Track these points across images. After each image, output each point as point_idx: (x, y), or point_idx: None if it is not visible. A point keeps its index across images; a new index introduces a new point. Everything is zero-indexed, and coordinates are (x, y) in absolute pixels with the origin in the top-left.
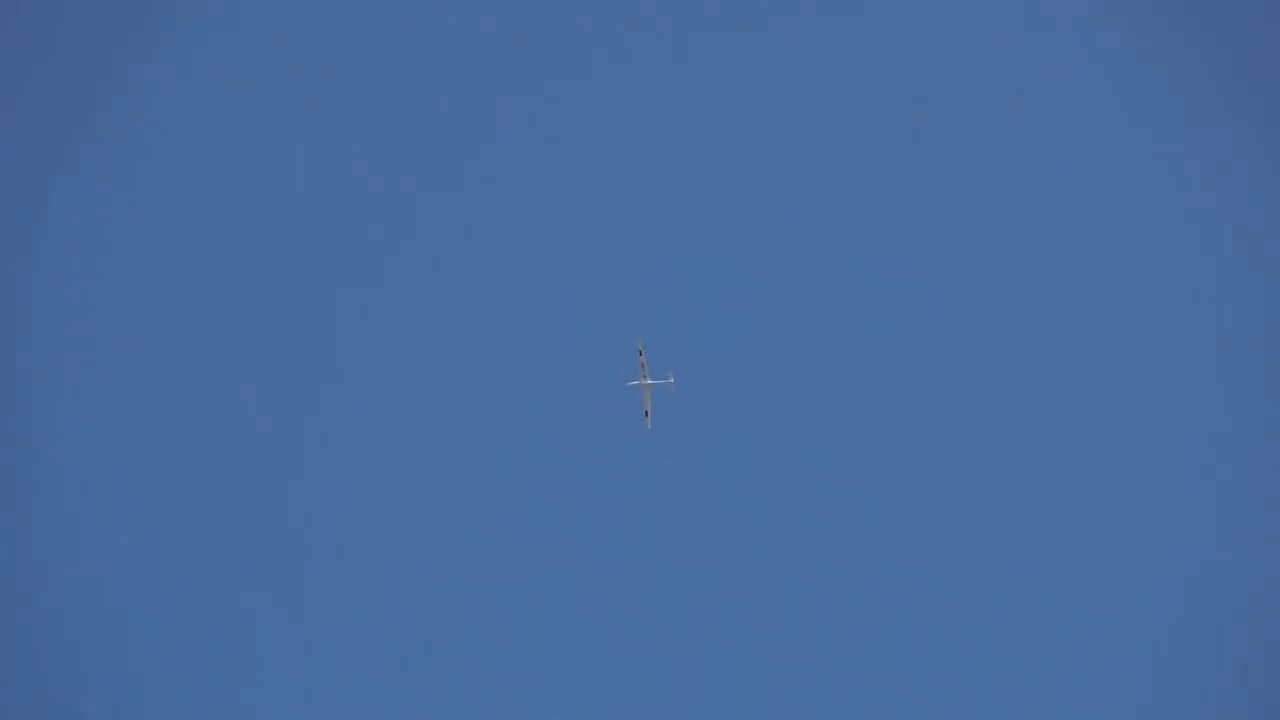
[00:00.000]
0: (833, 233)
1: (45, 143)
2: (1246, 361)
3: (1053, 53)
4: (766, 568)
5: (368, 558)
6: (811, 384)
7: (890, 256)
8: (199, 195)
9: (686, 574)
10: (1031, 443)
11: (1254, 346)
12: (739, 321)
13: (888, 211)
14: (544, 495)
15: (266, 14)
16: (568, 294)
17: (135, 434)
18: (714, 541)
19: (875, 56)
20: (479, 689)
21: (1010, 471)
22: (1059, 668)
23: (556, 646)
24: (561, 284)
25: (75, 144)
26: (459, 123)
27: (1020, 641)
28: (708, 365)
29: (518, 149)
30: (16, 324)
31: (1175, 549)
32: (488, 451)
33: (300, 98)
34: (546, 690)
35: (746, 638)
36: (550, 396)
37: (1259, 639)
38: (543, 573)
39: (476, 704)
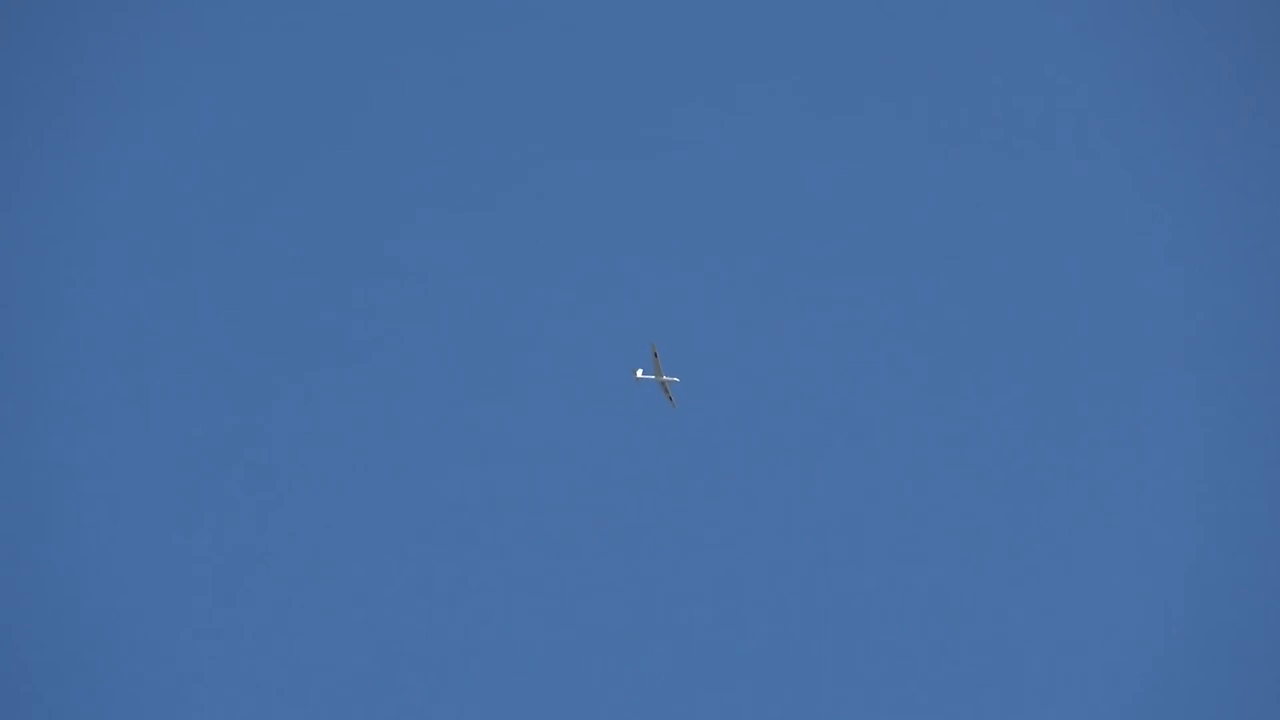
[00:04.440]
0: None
1: (47, 143)
2: (1247, 362)
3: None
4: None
5: (367, 555)
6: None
7: (887, 252)
8: (194, 192)
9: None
10: (1030, 445)
11: (1254, 346)
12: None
13: (884, 207)
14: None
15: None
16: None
17: (132, 428)
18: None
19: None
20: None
21: (1005, 474)
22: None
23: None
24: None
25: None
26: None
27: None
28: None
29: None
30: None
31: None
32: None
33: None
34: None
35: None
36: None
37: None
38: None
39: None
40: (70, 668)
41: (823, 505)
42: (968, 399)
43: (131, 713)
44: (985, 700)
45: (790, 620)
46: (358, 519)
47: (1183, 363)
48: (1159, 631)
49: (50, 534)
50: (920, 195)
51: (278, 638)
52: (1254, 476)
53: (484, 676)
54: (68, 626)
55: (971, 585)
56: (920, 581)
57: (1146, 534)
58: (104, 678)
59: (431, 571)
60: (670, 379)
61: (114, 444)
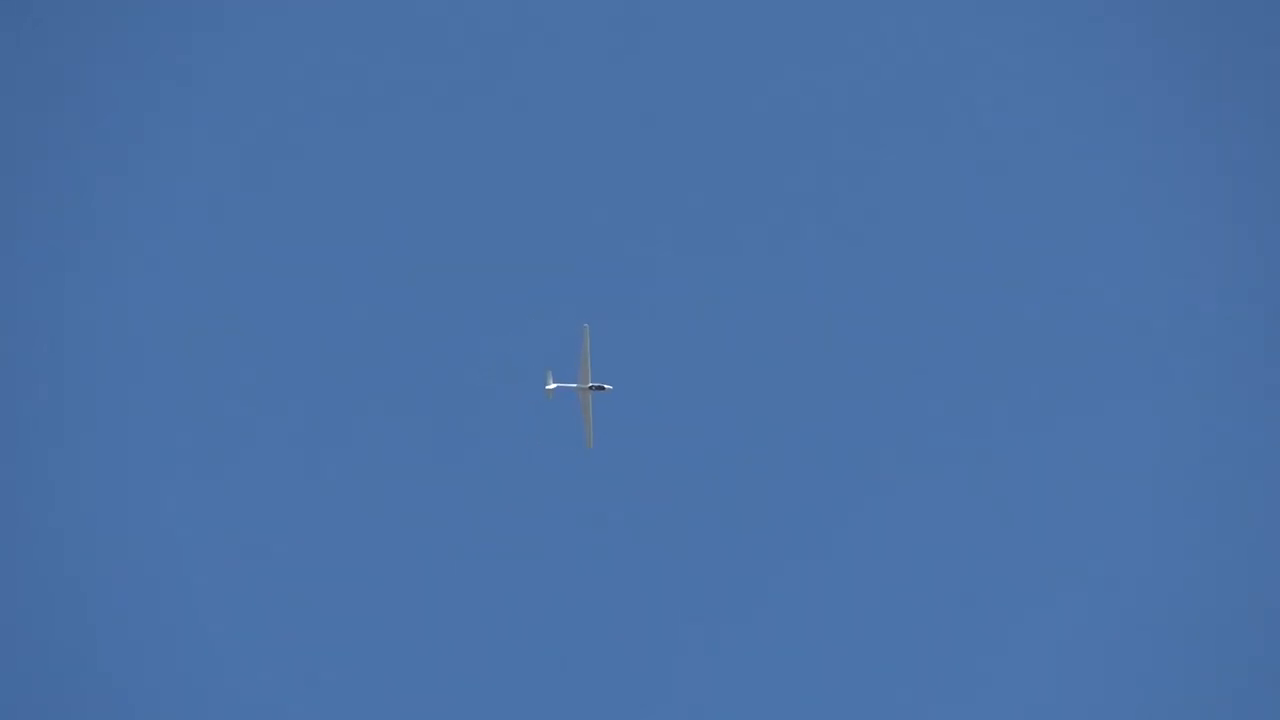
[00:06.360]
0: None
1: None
2: (1245, 366)
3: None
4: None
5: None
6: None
7: (881, 254)
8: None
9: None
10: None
11: (1254, 351)
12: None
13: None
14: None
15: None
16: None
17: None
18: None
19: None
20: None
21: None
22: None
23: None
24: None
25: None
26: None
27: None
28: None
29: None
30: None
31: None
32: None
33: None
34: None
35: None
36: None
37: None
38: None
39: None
40: (75, 667)
41: (816, 505)
42: (962, 399)
43: (139, 713)
44: (974, 702)
45: (774, 617)
46: (355, 519)
47: (1172, 360)
48: (1149, 636)
49: (50, 534)
50: (909, 192)
51: (281, 637)
52: (1249, 474)
53: (483, 677)
54: (73, 625)
55: (961, 584)
56: (914, 583)
57: (1136, 534)
58: (110, 677)
59: (430, 571)
60: (599, 387)
61: (126, 440)
